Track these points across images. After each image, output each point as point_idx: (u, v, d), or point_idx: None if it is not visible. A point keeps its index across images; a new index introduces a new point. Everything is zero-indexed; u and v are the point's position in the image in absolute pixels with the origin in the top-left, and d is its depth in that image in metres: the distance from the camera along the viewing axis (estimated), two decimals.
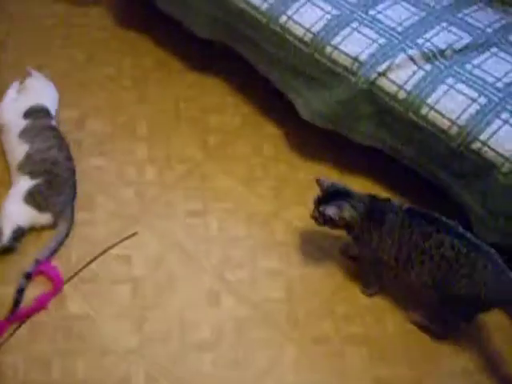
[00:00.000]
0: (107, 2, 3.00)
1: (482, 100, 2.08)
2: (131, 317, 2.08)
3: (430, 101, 2.10)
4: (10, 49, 2.78)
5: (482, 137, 2.03)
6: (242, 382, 1.99)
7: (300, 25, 2.28)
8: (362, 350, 2.07)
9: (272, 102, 2.62)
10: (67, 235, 2.22)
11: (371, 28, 2.26)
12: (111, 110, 2.60)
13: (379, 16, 2.29)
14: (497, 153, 2.01)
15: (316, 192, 2.07)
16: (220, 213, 2.33)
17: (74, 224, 2.25)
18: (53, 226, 2.23)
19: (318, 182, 2.09)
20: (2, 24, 2.87)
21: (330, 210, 2.01)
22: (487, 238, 2.01)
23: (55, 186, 2.23)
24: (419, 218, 1.97)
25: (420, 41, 2.22)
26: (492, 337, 2.09)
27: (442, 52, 2.20)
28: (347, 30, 2.25)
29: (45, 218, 2.22)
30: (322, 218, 2.05)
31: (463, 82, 2.12)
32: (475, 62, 2.18)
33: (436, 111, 2.09)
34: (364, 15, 2.29)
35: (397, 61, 2.17)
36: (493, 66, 2.17)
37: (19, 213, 2.19)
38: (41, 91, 2.48)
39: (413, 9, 2.34)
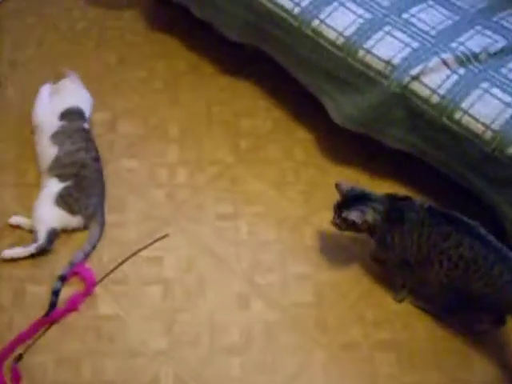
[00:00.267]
0: (141, 5, 3.03)
1: None
2: (161, 319, 2.09)
3: (463, 105, 2.08)
4: (44, 50, 2.82)
5: None
6: None
7: (332, 28, 2.27)
8: (390, 356, 2.05)
9: (303, 106, 2.62)
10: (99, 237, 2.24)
11: (404, 32, 2.24)
12: (143, 112, 2.62)
13: (412, 19, 2.27)
14: None
15: None
16: (250, 216, 2.33)
17: (105, 225, 2.26)
18: (83, 228, 2.25)
19: (338, 186, 2.08)
20: (37, 26, 2.91)
21: (354, 215, 2.01)
22: None
23: (85, 189, 2.25)
24: (440, 217, 1.95)
25: (454, 44, 2.20)
26: None
27: (476, 56, 2.18)
28: (380, 33, 2.24)
29: (76, 221, 2.24)
30: (344, 224, 2.05)
31: (498, 86, 2.09)
32: (510, 65, 2.16)
33: (470, 116, 2.07)
34: (397, 18, 2.27)
35: (430, 65, 2.15)
36: None
37: (52, 216, 2.21)
38: (77, 93, 2.50)
39: (446, 12, 2.32)
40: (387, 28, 2.25)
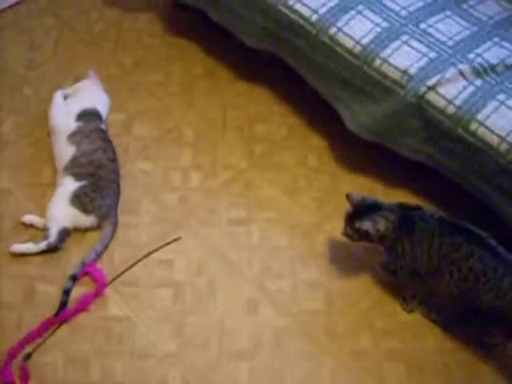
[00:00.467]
0: (158, 8, 3.04)
1: None
2: (171, 321, 2.10)
3: (479, 117, 2.07)
4: (61, 51, 2.83)
5: None
6: None
7: (350, 37, 2.27)
8: (399, 366, 2.04)
9: (318, 113, 2.62)
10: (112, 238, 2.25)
11: (421, 41, 2.24)
12: (158, 115, 2.63)
13: (430, 30, 2.27)
14: None
15: None
16: (262, 222, 2.33)
17: (117, 227, 2.27)
18: (97, 227, 2.26)
19: (348, 197, 2.08)
20: (54, 27, 2.92)
21: (367, 225, 2.01)
22: None
23: (100, 189, 2.26)
24: (450, 228, 1.95)
25: (471, 56, 2.20)
26: None
27: (493, 67, 2.17)
28: (397, 42, 2.24)
29: (90, 220, 2.25)
30: (357, 234, 2.05)
31: None
32: None
33: (486, 127, 2.06)
34: (414, 28, 2.27)
35: (447, 75, 2.15)
36: None
37: (65, 214, 2.22)
38: (94, 94, 2.52)
39: (464, 23, 2.31)
40: (404, 37, 2.25)
